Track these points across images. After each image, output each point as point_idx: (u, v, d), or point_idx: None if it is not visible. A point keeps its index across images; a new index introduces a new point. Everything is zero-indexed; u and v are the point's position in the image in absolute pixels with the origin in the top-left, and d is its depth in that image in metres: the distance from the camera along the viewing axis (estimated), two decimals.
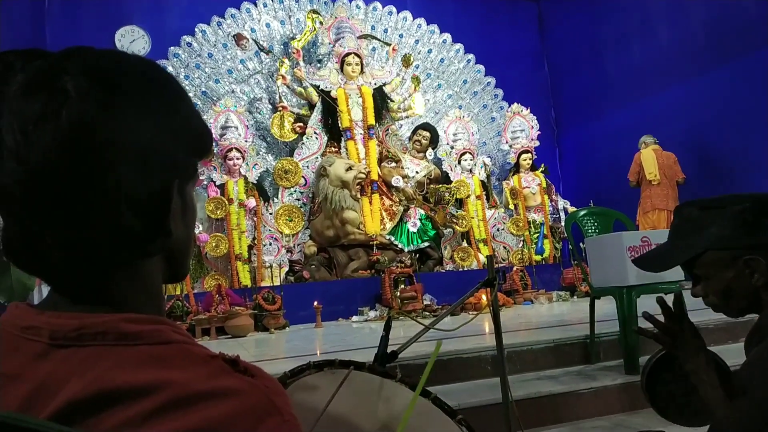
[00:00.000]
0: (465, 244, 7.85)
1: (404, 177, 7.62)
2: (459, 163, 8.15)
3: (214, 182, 6.86)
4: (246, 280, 6.59)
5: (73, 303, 0.52)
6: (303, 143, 7.58)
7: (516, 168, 8.42)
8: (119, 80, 0.51)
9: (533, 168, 8.40)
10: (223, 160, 6.89)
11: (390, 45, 8.32)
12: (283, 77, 7.51)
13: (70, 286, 0.53)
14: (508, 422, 2.00)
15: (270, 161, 7.63)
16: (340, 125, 7.53)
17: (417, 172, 7.92)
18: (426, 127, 8.23)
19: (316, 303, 5.84)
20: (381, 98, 7.84)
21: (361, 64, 7.79)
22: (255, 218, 6.90)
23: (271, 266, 6.77)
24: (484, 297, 5.57)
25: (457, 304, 1.96)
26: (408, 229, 7.39)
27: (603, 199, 7.18)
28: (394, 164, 7.63)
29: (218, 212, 6.65)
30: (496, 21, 9.66)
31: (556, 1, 9.73)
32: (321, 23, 7.94)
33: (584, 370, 3.24)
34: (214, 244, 6.53)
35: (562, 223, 7.85)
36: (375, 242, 7.09)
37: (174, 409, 0.44)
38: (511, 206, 8.24)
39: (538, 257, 7.89)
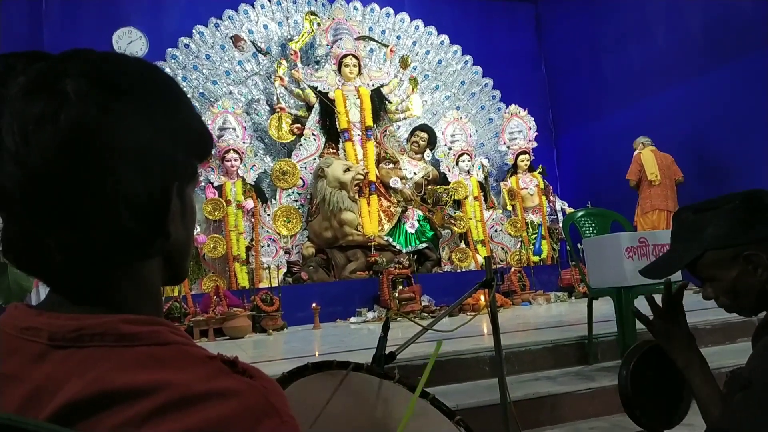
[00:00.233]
0: (463, 245, 7.85)
1: (402, 178, 7.62)
2: (457, 164, 8.16)
3: (212, 183, 6.86)
4: (244, 281, 6.59)
5: (72, 304, 0.52)
6: (301, 144, 7.58)
7: (514, 169, 8.43)
8: (119, 82, 0.51)
9: (531, 169, 8.41)
10: (220, 161, 6.89)
11: (388, 46, 8.32)
12: (281, 79, 7.51)
13: (69, 287, 0.53)
14: (506, 423, 2.00)
15: (268, 162, 7.63)
16: (337, 126, 7.53)
17: (415, 174, 7.93)
18: (424, 128, 8.23)
19: (314, 304, 5.84)
20: (379, 99, 7.84)
21: (359, 66, 7.79)
22: (253, 219, 6.90)
23: (269, 267, 6.77)
24: (482, 298, 5.57)
25: (456, 305, 1.96)
26: (406, 230, 7.39)
27: (601, 200, 7.18)
28: (392, 165, 7.63)
29: (216, 213, 6.65)
30: (494, 22, 9.68)
31: (554, 2, 9.74)
32: (319, 25, 7.94)
33: (582, 370, 3.24)
34: (211, 246, 6.53)
35: (560, 224, 7.86)
36: (373, 243, 7.09)
37: (173, 410, 0.44)
38: (509, 207, 8.24)
39: (536, 258, 7.90)
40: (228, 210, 6.70)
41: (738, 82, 6.41)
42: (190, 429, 0.44)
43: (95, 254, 0.51)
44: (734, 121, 6.45)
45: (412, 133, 8.27)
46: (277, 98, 7.56)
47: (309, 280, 6.75)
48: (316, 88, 7.64)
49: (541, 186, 8.29)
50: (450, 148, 8.24)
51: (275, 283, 6.48)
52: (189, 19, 7.74)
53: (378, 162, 7.60)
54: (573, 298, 6.94)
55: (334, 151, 7.57)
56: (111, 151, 0.49)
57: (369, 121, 7.59)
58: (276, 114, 7.52)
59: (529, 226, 8.09)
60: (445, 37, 9.04)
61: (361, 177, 7.17)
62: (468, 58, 9.14)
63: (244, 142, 7.04)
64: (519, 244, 8.03)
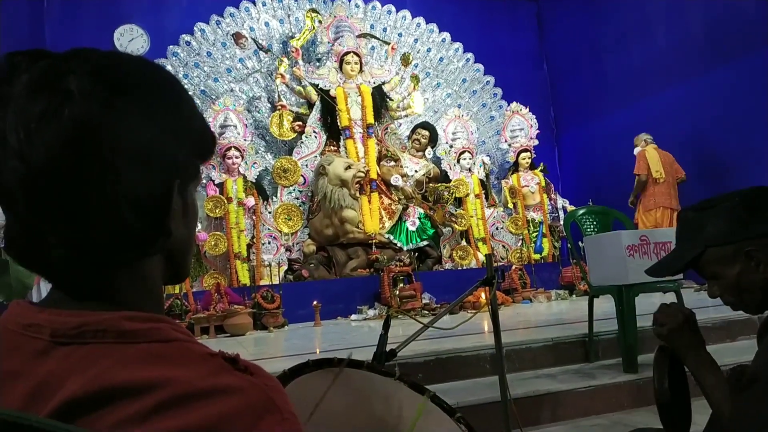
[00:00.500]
0: (464, 242, 7.85)
1: (403, 176, 7.62)
2: (458, 161, 8.16)
3: (213, 181, 6.86)
4: (245, 278, 6.59)
5: (73, 301, 0.52)
6: (302, 142, 7.58)
7: (515, 167, 8.43)
8: (122, 81, 0.52)
9: (532, 167, 8.41)
10: (222, 158, 6.89)
11: (389, 44, 8.32)
12: (282, 76, 7.51)
13: (71, 283, 0.53)
14: (506, 420, 2.01)
15: (269, 160, 7.63)
16: (339, 124, 7.53)
17: (416, 171, 7.92)
18: (425, 125, 8.23)
19: (315, 302, 5.85)
20: (380, 97, 7.84)
21: (360, 63, 7.79)
22: (254, 217, 6.90)
23: (270, 265, 6.77)
24: (483, 295, 5.57)
25: (456, 302, 1.97)
26: (407, 228, 7.39)
27: (602, 198, 7.17)
28: (393, 163, 7.63)
29: (217, 211, 6.66)
30: (496, 20, 9.67)
31: (555, 1, 9.73)
32: (320, 22, 7.94)
33: (583, 368, 3.25)
34: (213, 243, 6.53)
35: (561, 222, 7.86)
36: (374, 241, 7.09)
37: (174, 406, 0.44)
38: (510, 205, 8.24)
39: (537, 256, 7.90)
40: (229, 207, 6.70)
41: (738, 82, 6.40)
42: (191, 426, 0.44)
43: (97, 251, 0.51)
44: (735, 121, 6.44)
45: (413, 131, 8.26)
46: (279, 96, 7.56)
47: (310, 277, 6.76)
48: (318, 85, 7.64)
49: (543, 184, 8.29)
50: (451, 146, 8.24)
51: (276, 281, 6.49)
52: (190, 16, 7.74)
53: (379, 159, 7.60)
54: (574, 295, 6.94)
55: (336, 148, 7.57)
56: (113, 148, 0.49)
57: (370, 119, 7.59)
58: (277, 111, 7.53)
59: (530, 224, 8.09)
60: (446, 35, 9.03)
61: (362, 174, 7.17)
62: (469, 55, 9.13)
63: (245, 140, 7.05)
64: (520, 241, 8.03)
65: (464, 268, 7.52)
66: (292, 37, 7.87)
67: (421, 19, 8.91)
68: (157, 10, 7.75)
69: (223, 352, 0.51)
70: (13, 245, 0.53)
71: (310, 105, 7.72)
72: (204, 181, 6.82)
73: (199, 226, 6.53)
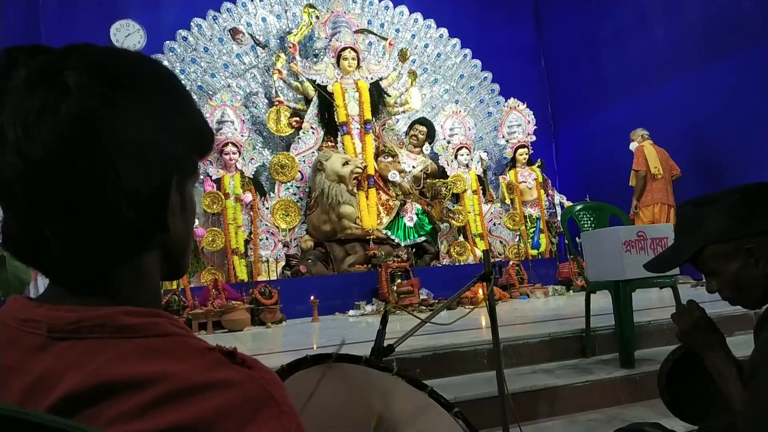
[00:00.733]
0: (461, 238, 7.86)
1: (401, 172, 7.61)
2: (455, 157, 8.15)
3: (210, 177, 6.85)
4: (243, 274, 6.59)
5: (71, 296, 0.52)
6: (299, 138, 7.57)
7: (512, 163, 8.43)
8: (121, 77, 0.52)
9: (530, 163, 8.41)
10: (219, 154, 6.88)
11: (386, 40, 8.30)
12: (280, 72, 7.49)
13: (68, 278, 0.53)
14: (504, 415, 2.01)
15: (266, 156, 7.62)
16: (336, 120, 7.52)
17: (413, 167, 7.91)
18: (422, 121, 8.22)
19: (312, 297, 5.85)
20: (377, 93, 7.83)
21: (358, 59, 7.77)
22: (251, 213, 6.90)
23: (267, 261, 6.77)
24: (480, 291, 5.57)
25: (454, 298, 1.97)
26: (404, 224, 7.39)
27: (599, 194, 7.18)
28: (390, 159, 7.62)
29: (214, 207, 6.65)
30: (493, 15, 9.64)
31: None
32: (317, 17, 7.92)
33: (580, 363, 3.25)
34: (210, 239, 6.53)
35: (558, 218, 7.86)
36: (371, 237, 7.09)
37: (172, 400, 0.44)
38: (508, 201, 8.24)
39: (535, 252, 7.91)
40: (226, 203, 6.69)
41: (737, 78, 6.40)
42: (189, 420, 0.44)
43: (94, 246, 0.51)
44: (733, 116, 6.44)
45: (410, 127, 8.25)
46: (276, 91, 7.55)
47: (307, 273, 6.75)
48: (315, 81, 7.62)
49: (540, 180, 8.29)
50: (449, 142, 8.23)
51: (274, 276, 6.49)
52: (187, 11, 7.71)
53: (377, 155, 7.59)
54: (571, 291, 6.96)
55: (333, 144, 7.56)
56: (111, 143, 0.49)
57: (368, 115, 7.58)
58: (274, 107, 7.51)
59: (528, 220, 8.09)
60: (444, 30, 9.01)
61: (360, 170, 7.17)
62: (467, 51, 9.12)
63: (242, 135, 7.03)
64: (517, 237, 8.04)
65: (462, 263, 7.53)
66: (289, 33, 7.84)
67: (418, 15, 8.89)
68: (153, 6, 7.72)
69: (221, 346, 0.51)
70: (11, 240, 0.53)
71: (308, 101, 7.70)
72: (201, 177, 6.81)
73: (197, 221, 6.52)
